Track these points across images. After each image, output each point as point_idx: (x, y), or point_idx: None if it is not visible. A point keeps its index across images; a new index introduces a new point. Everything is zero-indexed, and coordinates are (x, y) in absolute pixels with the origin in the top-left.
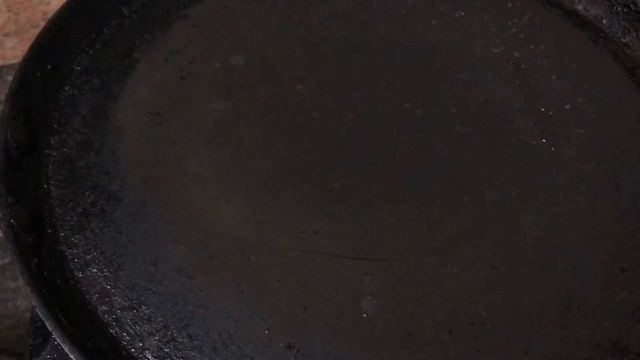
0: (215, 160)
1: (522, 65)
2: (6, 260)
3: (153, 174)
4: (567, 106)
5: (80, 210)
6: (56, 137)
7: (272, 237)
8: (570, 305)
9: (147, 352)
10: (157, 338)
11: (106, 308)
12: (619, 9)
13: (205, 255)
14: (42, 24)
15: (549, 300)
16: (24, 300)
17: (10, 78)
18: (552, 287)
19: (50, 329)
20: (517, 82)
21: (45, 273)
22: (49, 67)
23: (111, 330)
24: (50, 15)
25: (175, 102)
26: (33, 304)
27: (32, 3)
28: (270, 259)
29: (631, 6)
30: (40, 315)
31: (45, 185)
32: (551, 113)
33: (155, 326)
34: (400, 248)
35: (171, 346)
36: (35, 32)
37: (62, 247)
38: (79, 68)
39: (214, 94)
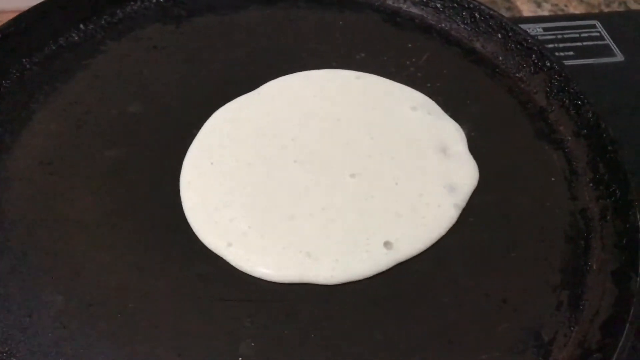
0: (102, 207)
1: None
2: None
3: (38, 223)
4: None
5: None
6: None
7: (150, 283)
8: (451, 339)
9: None
10: None
11: None
12: (513, 45)
13: (82, 304)
14: None
15: (430, 335)
16: None
17: None
18: (434, 321)
19: None
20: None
21: None
22: None
23: None
24: None
25: (69, 151)
26: None
27: None
28: (147, 305)
29: (523, 43)
30: None
31: None
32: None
33: None
34: (275, 290)
35: None
36: None
37: None
38: None
39: (108, 141)
